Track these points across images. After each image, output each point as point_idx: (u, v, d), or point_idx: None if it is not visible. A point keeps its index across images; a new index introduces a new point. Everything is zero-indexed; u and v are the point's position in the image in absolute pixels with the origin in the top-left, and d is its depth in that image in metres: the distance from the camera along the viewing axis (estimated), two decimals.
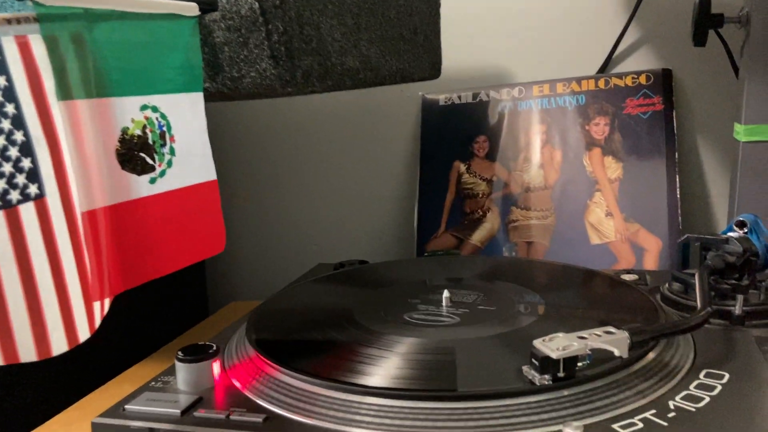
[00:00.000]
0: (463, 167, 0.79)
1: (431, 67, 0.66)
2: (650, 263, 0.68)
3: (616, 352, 0.32)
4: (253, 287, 0.88)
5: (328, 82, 0.43)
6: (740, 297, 0.42)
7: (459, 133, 0.80)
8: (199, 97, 0.38)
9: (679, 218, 0.68)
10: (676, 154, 0.69)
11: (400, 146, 0.84)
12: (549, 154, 0.75)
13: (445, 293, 0.45)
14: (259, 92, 0.39)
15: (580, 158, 0.74)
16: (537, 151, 0.76)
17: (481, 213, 0.77)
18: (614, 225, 0.70)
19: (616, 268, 0.70)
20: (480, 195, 0.78)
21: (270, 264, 0.87)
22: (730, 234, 0.46)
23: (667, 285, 0.47)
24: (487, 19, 0.78)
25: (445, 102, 0.81)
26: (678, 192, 0.68)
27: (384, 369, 0.36)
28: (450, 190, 0.79)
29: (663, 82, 0.71)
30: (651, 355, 0.36)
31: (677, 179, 0.69)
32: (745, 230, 0.46)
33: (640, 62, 0.74)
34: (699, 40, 0.60)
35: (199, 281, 0.84)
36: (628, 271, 0.54)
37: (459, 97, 0.81)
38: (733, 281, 0.43)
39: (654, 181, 0.70)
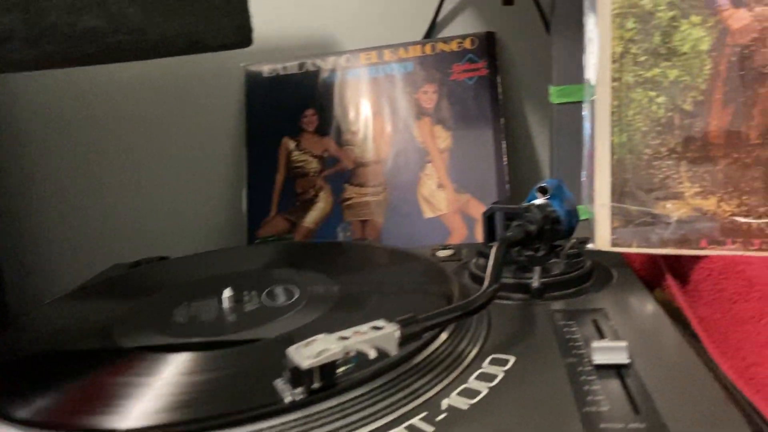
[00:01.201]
0: (292, 144, 0.73)
1: (236, 32, 0.58)
2: (482, 234, 0.66)
3: (372, 354, 0.27)
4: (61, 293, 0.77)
5: (51, 46, 0.35)
6: (537, 269, 0.39)
7: (286, 108, 0.73)
8: None
9: (507, 186, 0.66)
10: (502, 120, 0.67)
11: (223, 124, 0.76)
12: (380, 125, 0.71)
13: (226, 292, 0.39)
14: None
15: (410, 129, 0.70)
16: (368, 123, 0.71)
17: (313, 193, 0.72)
18: (446, 196, 0.67)
19: (450, 242, 0.67)
20: (311, 173, 0.72)
21: (81, 264, 0.76)
22: (534, 202, 0.44)
23: (474, 260, 0.44)
24: None
25: (270, 73, 0.74)
26: (505, 159, 0.67)
27: (119, 403, 0.29)
28: (280, 170, 0.73)
29: (487, 45, 0.69)
30: (435, 345, 0.32)
31: (503, 146, 0.67)
32: (548, 196, 0.44)
33: (466, 25, 0.71)
34: None
35: None
36: (445, 247, 0.51)
37: (284, 68, 0.74)
38: (531, 252, 0.40)
39: (482, 149, 0.67)
